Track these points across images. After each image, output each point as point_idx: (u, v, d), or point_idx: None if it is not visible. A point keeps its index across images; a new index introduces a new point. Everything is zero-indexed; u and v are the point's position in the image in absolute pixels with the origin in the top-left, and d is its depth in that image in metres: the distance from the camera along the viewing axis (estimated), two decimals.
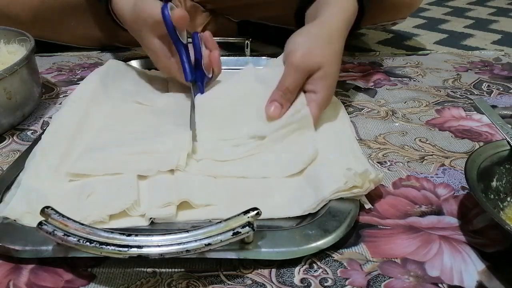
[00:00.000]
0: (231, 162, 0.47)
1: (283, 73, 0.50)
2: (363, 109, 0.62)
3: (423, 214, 0.42)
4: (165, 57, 0.57)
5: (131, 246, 0.33)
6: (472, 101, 0.63)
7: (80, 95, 0.57)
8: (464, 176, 0.39)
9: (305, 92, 0.51)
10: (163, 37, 0.55)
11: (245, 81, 0.56)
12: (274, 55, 0.72)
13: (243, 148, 0.48)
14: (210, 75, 0.59)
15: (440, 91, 0.67)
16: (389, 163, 0.49)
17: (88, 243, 0.33)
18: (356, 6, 0.56)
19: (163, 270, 0.36)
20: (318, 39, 0.51)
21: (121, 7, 0.60)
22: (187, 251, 0.33)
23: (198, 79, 0.57)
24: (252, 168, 0.46)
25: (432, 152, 0.51)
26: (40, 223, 0.34)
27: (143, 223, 0.39)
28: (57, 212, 0.36)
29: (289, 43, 0.52)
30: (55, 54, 0.85)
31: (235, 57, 0.74)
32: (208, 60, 0.58)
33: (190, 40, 0.58)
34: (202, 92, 0.56)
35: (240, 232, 0.34)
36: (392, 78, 0.72)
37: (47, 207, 0.36)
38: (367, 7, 0.59)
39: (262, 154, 0.48)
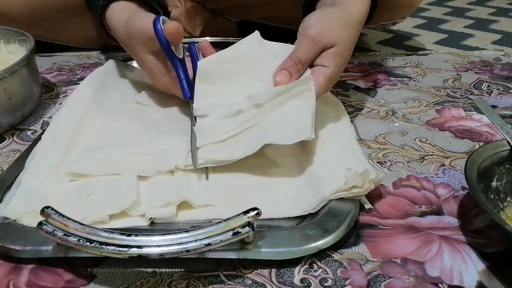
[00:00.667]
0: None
1: (297, 45, 0.50)
2: (363, 109, 0.62)
3: (423, 214, 0.42)
4: (161, 74, 0.54)
5: (131, 246, 0.33)
6: (472, 101, 0.63)
7: (80, 95, 0.57)
8: (464, 176, 0.39)
9: (312, 67, 0.50)
10: (157, 53, 0.52)
11: (249, 47, 0.54)
12: None
13: (242, 118, 0.47)
14: None
15: (440, 91, 0.67)
16: (389, 163, 0.49)
17: (88, 243, 0.33)
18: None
19: (163, 270, 0.36)
20: (337, 19, 0.51)
21: (114, 25, 0.58)
22: (187, 251, 0.33)
23: None
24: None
25: (432, 152, 0.51)
26: (40, 223, 0.34)
27: (143, 223, 0.39)
28: (57, 212, 0.36)
29: (305, 21, 0.52)
30: (55, 54, 0.85)
31: None
32: None
33: (187, 52, 0.57)
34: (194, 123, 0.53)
35: (240, 232, 0.34)
36: (392, 78, 0.72)
37: (47, 207, 0.36)
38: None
39: (260, 126, 0.46)
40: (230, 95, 0.50)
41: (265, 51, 0.53)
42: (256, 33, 0.56)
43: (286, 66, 0.49)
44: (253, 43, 0.54)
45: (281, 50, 0.51)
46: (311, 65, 0.50)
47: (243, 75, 0.51)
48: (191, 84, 0.53)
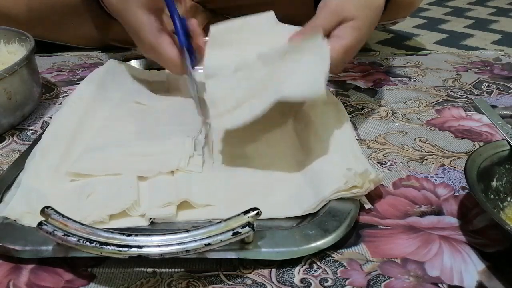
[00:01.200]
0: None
1: (316, 15, 0.49)
2: (363, 109, 0.62)
3: (423, 214, 0.42)
4: (153, 34, 0.52)
5: (131, 246, 0.33)
6: (472, 101, 0.63)
7: (80, 95, 0.57)
8: (464, 176, 0.39)
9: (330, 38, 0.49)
10: (155, 11, 0.51)
11: (264, 21, 0.53)
12: None
13: (253, 78, 0.46)
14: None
15: (440, 91, 0.67)
16: (389, 163, 0.49)
17: (88, 243, 0.33)
18: None
19: (163, 270, 0.36)
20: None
21: None
22: (187, 251, 0.33)
23: (190, 52, 0.53)
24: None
25: (432, 152, 0.51)
26: (40, 223, 0.34)
27: (143, 223, 0.39)
28: (57, 212, 0.36)
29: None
30: (55, 54, 0.85)
31: None
32: (194, 47, 0.56)
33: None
34: (191, 72, 0.53)
35: (240, 232, 0.34)
36: (392, 78, 0.72)
37: (47, 207, 0.36)
38: None
39: (272, 83, 0.44)
40: (240, 59, 0.49)
41: (280, 26, 0.52)
42: (271, 12, 0.54)
43: (303, 30, 0.48)
44: (268, 18, 0.53)
45: (296, 29, 0.50)
46: (328, 36, 0.49)
47: (256, 44, 0.50)
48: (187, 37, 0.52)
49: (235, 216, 0.35)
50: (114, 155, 0.46)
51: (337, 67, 0.48)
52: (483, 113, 0.56)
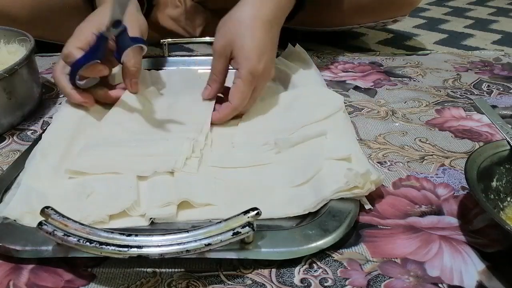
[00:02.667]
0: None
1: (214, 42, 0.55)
2: (363, 109, 0.62)
3: (423, 214, 0.42)
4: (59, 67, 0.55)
5: (131, 246, 0.33)
6: (472, 101, 0.63)
7: None
8: (464, 176, 0.39)
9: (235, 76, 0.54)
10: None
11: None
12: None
13: (256, 156, 0.48)
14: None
15: (440, 91, 0.67)
16: (389, 163, 0.49)
17: (88, 243, 0.33)
18: None
19: (163, 270, 0.36)
20: (232, 19, 0.54)
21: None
22: (187, 251, 0.33)
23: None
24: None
25: (432, 152, 0.51)
26: (40, 223, 0.34)
27: (143, 223, 0.39)
28: (57, 212, 0.36)
29: (218, 24, 0.56)
30: (55, 54, 0.84)
31: None
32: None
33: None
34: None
35: (240, 232, 0.34)
36: (392, 78, 0.72)
37: (47, 207, 0.36)
38: None
39: (272, 166, 0.47)
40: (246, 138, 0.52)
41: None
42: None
43: (207, 81, 0.57)
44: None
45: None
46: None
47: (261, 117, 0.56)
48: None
49: (235, 216, 0.35)
50: (114, 155, 0.46)
51: (244, 93, 0.53)
52: (483, 113, 0.56)
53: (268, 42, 0.54)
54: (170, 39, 0.77)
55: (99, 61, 0.51)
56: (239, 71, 0.52)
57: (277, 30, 0.57)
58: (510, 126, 0.47)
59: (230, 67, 0.56)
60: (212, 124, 0.53)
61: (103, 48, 0.51)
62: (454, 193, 0.44)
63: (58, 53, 0.85)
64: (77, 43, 0.53)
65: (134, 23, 0.56)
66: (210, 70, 0.56)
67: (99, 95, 0.56)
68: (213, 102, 0.56)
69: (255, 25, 0.54)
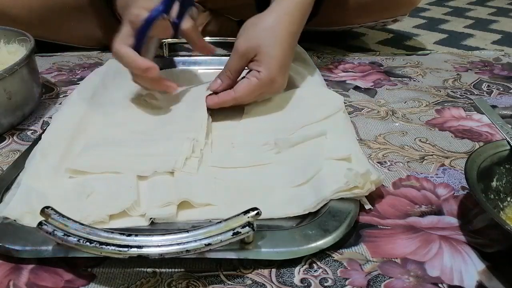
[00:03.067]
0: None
1: (229, 57, 0.56)
2: (363, 109, 0.62)
3: (423, 214, 0.42)
4: (118, 42, 0.53)
5: (131, 246, 0.33)
6: (472, 101, 0.63)
7: (80, 95, 0.56)
8: (464, 176, 0.39)
9: (251, 73, 0.54)
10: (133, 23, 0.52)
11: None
12: None
13: (256, 156, 0.48)
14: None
15: (440, 91, 0.67)
16: (389, 163, 0.49)
17: (88, 243, 0.33)
18: None
19: (163, 270, 0.36)
20: (261, 24, 0.54)
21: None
22: (187, 251, 0.33)
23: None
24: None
25: (432, 152, 0.51)
26: (40, 223, 0.34)
27: (143, 223, 0.39)
28: (57, 212, 0.36)
29: (243, 26, 0.56)
30: (55, 54, 0.85)
31: None
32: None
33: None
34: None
35: (240, 232, 0.34)
36: (392, 78, 0.72)
37: (47, 207, 0.36)
38: None
39: (272, 166, 0.47)
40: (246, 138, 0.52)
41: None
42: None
43: (218, 75, 0.56)
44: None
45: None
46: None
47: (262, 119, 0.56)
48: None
49: (235, 216, 0.35)
50: (113, 154, 0.46)
51: (253, 93, 0.53)
52: (483, 113, 0.56)
53: (291, 55, 0.56)
54: (170, 39, 0.77)
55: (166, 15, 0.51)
56: (258, 73, 0.53)
57: (298, 39, 0.58)
58: (510, 126, 0.47)
59: None
60: (208, 109, 0.54)
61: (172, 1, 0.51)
62: (454, 193, 0.44)
63: (58, 53, 0.86)
64: (144, 4, 0.52)
65: None
66: (208, 70, 0.57)
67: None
68: None
69: (284, 37, 0.54)
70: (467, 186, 0.41)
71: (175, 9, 0.54)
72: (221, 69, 0.60)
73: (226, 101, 0.54)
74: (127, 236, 0.34)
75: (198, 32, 0.60)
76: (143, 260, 0.36)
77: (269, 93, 0.55)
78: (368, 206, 0.41)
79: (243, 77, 0.55)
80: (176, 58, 0.76)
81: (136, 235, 0.34)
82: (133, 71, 0.54)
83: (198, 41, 0.61)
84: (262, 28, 0.54)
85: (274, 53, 0.53)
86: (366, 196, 0.41)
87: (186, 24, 0.57)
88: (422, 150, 0.52)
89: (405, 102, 0.64)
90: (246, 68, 0.55)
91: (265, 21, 0.55)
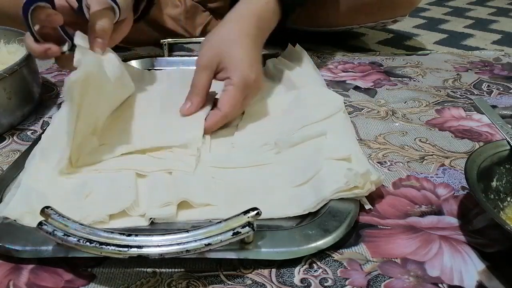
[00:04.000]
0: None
1: (199, 54, 0.55)
2: (363, 109, 0.62)
3: (423, 214, 0.42)
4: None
5: (131, 246, 0.33)
6: (472, 101, 0.63)
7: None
8: (464, 176, 0.39)
9: (225, 84, 0.53)
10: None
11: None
12: (275, 55, 0.72)
13: (256, 156, 0.48)
14: None
15: (440, 91, 0.67)
16: (389, 163, 0.49)
17: (88, 243, 0.33)
18: None
19: (163, 270, 0.36)
20: (217, 35, 0.55)
21: None
22: (187, 251, 0.33)
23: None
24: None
25: (432, 152, 0.51)
26: (40, 223, 0.34)
27: (143, 223, 0.39)
28: (57, 212, 0.36)
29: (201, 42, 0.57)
30: None
31: None
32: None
33: None
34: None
35: (240, 232, 0.34)
36: (392, 78, 0.72)
37: (47, 207, 0.36)
38: None
39: (272, 166, 0.47)
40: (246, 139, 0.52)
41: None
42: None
43: (188, 96, 0.55)
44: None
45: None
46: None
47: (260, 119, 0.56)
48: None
49: (235, 216, 0.35)
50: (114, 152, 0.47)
51: (236, 98, 0.52)
52: (483, 113, 0.56)
53: (256, 53, 0.55)
54: (170, 39, 0.77)
55: (48, 5, 0.49)
56: (230, 79, 0.52)
57: (262, 43, 0.58)
58: (510, 126, 0.47)
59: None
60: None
61: None
62: (454, 193, 0.44)
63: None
64: None
65: None
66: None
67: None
68: (210, 103, 0.56)
69: (242, 38, 0.54)
70: (467, 186, 0.41)
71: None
72: None
73: (217, 122, 0.52)
74: (127, 236, 0.34)
75: (100, 28, 0.51)
76: (143, 260, 0.36)
77: (251, 95, 0.54)
78: (368, 206, 0.41)
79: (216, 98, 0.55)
80: (176, 58, 0.76)
81: (136, 235, 0.34)
82: (35, 56, 0.53)
83: (91, 34, 0.51)
84: (219, 37, 0.54)
85: (236, 54, 0.53)
86: (366, 196, 0.41)
87: (93, 8, 0.51)
88: (422, 150, 0.52)
89: (405, 102, 0.64)
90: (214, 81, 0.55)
91: (220, 31, 0.55)
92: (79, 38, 0.51)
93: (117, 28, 0.54)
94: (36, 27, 0.51)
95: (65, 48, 0.54)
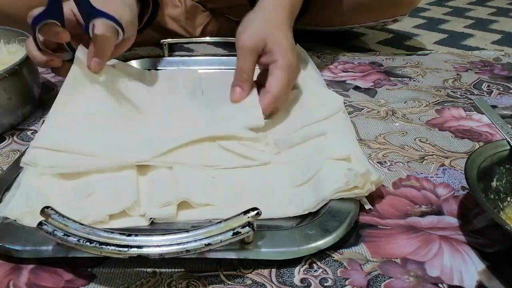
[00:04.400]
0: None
1: (237, 57, 0.55)
2: (363, 109, 0.62)
3: (423, 214, 0.42)
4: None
5: (131, 246, 0.33)
6: (472, 101, 0.63)
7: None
8: (464, 176, 0.39)
9: (267, 68, 0.54)
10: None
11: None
12: None
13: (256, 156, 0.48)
14: None
15: (440, 91, 0.67)
16: (389, 163, 0.49)
17: (88, 243, 0.33)
18: None
19: (163, 270, 0.36)
20: (259, 19, 0.56)
21: None
22: (187, 251, 0.33)
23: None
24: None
25: (432, 152, 0.51)
26: (40, 223, 0.34)
27: (143, 223, 0.39)
28: (57, 212, 0.36)
29: (238, 30, 0.56)
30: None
31: (235, 57, 0.74)
32: None
33: None
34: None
35: (240, 232, 0.34)
36: (392, 78, 0.72)
37: (47, 207, 0.36)
38: None
39: (271, 166, 0.47)
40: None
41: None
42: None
43: (235, 82, 0.55)
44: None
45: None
46: (265, 67, 0.55)
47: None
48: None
49: (235, 216, 0.35)
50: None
51: (285, 82, 0.53)
52: (483, 113, 0.56)
53: (292, 40, 0.56)
54: (170, 39, 0.77)
55: (58, 22, 0.50)
56: (276, 63, 0.53)
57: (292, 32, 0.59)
58: (510, 126, 0.47)
59: None
60: None
61: (58, 8, 0.50)
62: (454, 193, 0.44)
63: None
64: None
65: (110, 7, 0.52)
66: (208, 70, 0.57)
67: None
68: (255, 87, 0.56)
69: (283, 24, 0.56)
70: (467, 186, 0.41)
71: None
72: (221, 68, 0.60)
73: (269, 104, 0.52)
74: (127, 236, 0.34)
75: (100, 44, 0.52)
76: (143, 260, 0.36)
77: (293, 78, 0.56)
78: (368, 206, 0.41)
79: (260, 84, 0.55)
80: (176, 58, 0.76)
81: (136, 235, 0.34)
82: (35, 63, 0.55)
83: (89, 53, 0.52)
84: (261, 22, 0.55)
85: (280, 39, 0.54)
86: (366, 196, 0.41)
87: (98, 30, 0.51)
88: (422, 150, 0.52)
89: (405, 102, 0.64)
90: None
91: (260, 17, 0.56)
92: (81, 53, 0.53)
93: (119, 44, 0.55)
94: (41, 38, 0.53)
95: (65, 57, 0.56)
